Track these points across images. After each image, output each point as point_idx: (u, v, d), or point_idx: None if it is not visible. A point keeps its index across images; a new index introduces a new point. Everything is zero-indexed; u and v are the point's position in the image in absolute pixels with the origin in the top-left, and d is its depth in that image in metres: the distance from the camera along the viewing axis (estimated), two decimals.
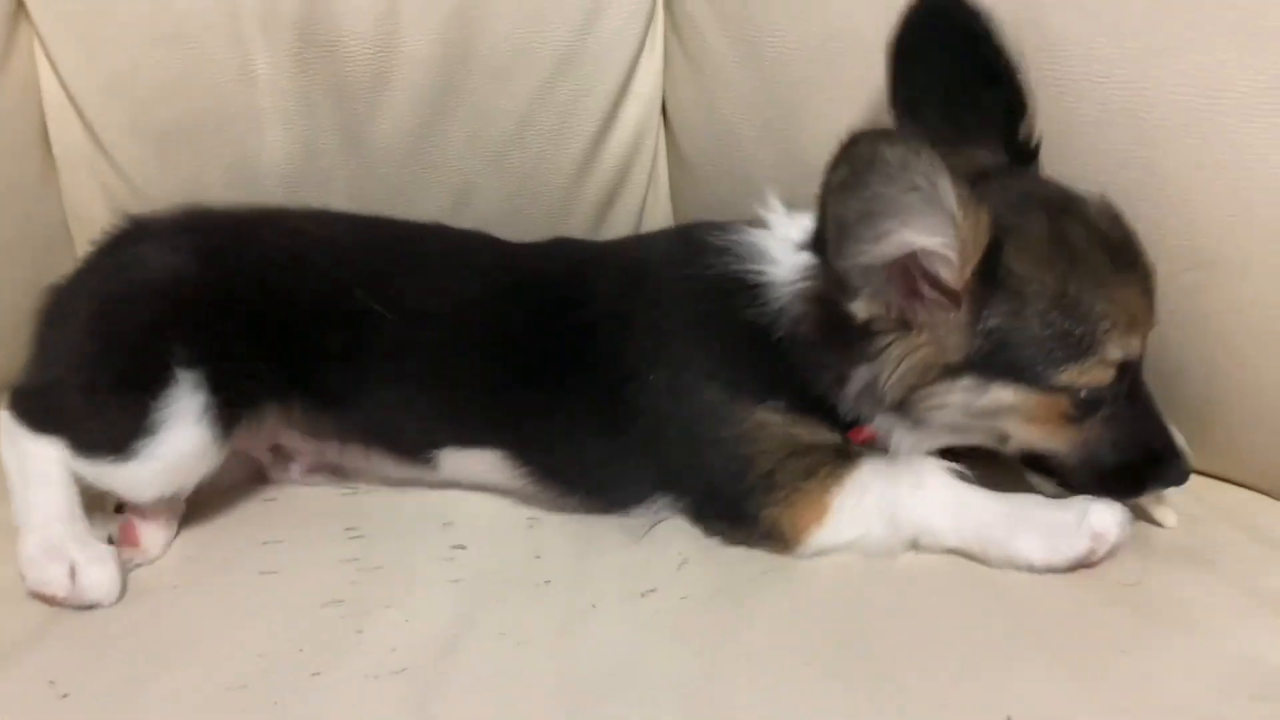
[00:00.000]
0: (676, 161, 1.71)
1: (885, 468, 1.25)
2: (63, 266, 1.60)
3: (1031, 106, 1.21)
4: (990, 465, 1.27)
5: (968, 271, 1.11)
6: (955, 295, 1.13)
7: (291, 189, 1.61)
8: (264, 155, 1.60)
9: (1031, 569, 1.19)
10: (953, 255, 1.10)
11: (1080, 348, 1.13)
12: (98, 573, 1.20)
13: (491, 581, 1.24)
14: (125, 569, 1.24)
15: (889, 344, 1.16)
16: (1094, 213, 1.17)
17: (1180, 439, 1.20)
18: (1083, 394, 1.15)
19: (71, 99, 1.56)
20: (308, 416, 1.38)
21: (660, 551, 1.29)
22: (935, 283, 1.12)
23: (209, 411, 1.27)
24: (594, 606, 1.20)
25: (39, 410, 1.30)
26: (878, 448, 1.25)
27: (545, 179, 1.65)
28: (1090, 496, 1.20)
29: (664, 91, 1.67)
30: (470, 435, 1.37)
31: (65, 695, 1.08)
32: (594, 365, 1.33)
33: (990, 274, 1.12)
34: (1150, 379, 1.21)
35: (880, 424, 1.23)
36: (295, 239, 1.41)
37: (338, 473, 1.45)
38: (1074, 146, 1.29)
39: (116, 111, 1.56)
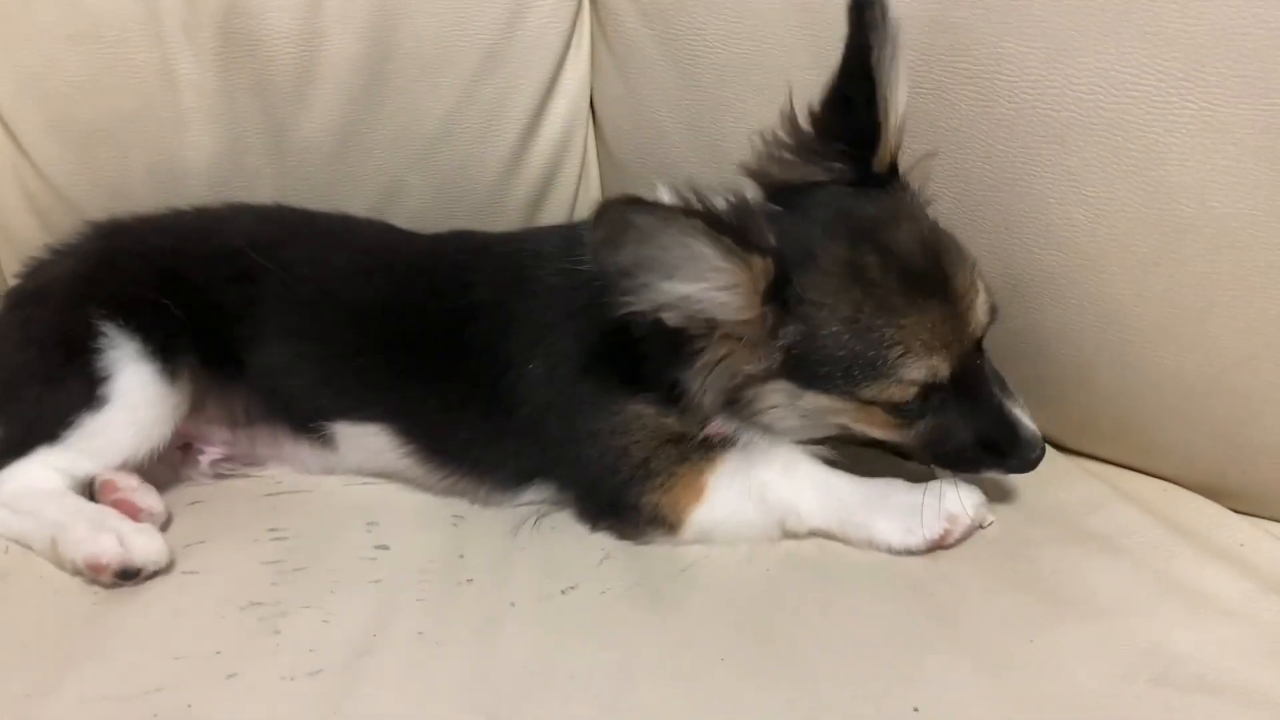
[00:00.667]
0: (606, 157, 1.71)
1: (755, 453, 1.28)
2: None
3: (886, 135, 1.20)
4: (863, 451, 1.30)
5: (753, 302, 1.14)
6: (754, 320, 1.16)
7: (216, 189, 1.60)
8: (187, 155, 1.59)
9: (890, 550, 1.24)
10: (729, 297, 1.13)
11: (875, 369, 1.16)
12: (145, 538, 1.23)
13: (413, 581, 1.25)
14: None
15: (701, 349, 1.20)
16: (903, 239, 1.18)
17: (1029, 426, 1.21)
18: (896, 407, 1.19)
19: None
20: (217, 381, 1.42)
21: (583, 548, 1.31)
22: (721, 319, 1.16)
23: (144, 350, 1.35)
24: (513, 605, 1.20)
25: (11, 442, 1.35)
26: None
27: (473, 177, 1.66)
28: (949, 480, 1.25)
29: (591, 88, 1.68)
30: (356, 408, 1.41)
31: None
32: (475, 351, 1.36)
33: (781, 301, 1.15)
34: (1061, 369, 1.23)
35: (725, 425, 1.26)
36: (194, 218, 1.51)
37: (248, 462, 1.47)
38: (987, 145, 1.31)
39: (33, 111, 1.54)
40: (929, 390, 1.18)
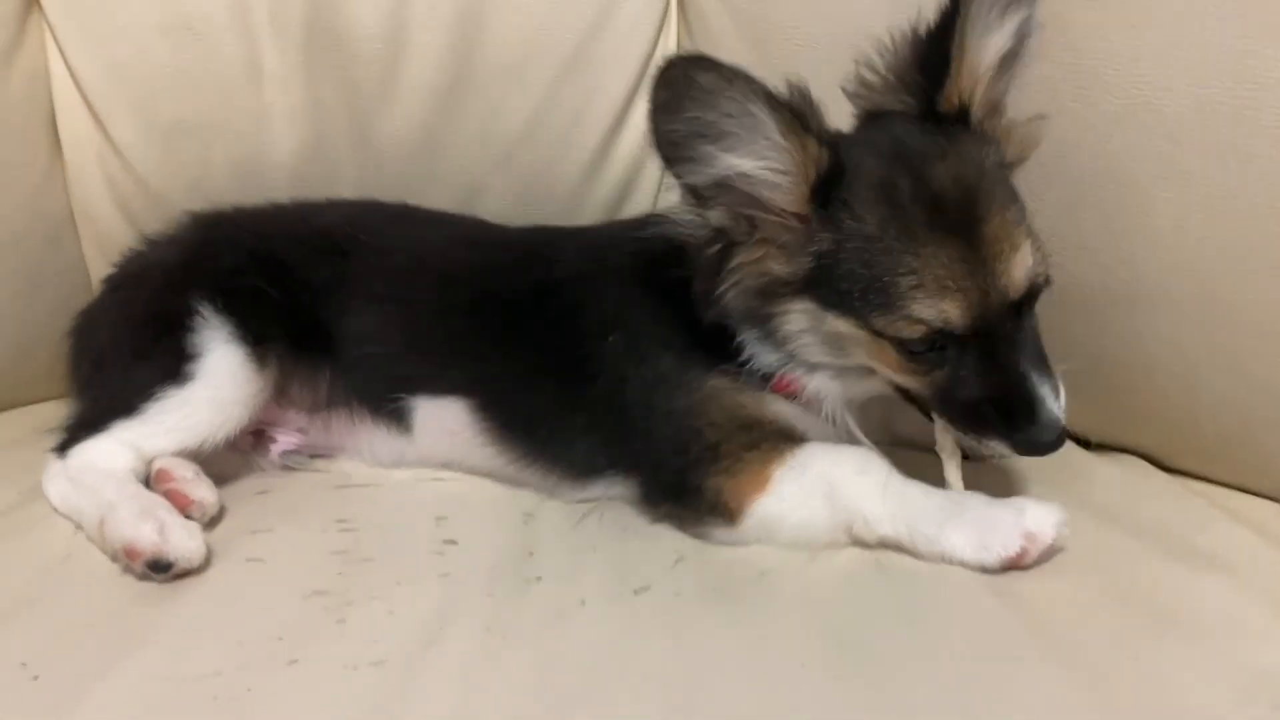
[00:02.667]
0: None
1: (831, 450, 1.25)
2: (67, 259, 1.61)
3: (956, 75, 1.17)
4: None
5: (802, 194, 1.14)
6: (796, 215, 1.16)
7: (298, 186, 1.60)
8: (271, 151, 1.59)
9: (963, 564, 1.17)
10: (780, 180, 1.13)
11: (887, 298, 1.13)
12: (186, 534, 1.20)
13: (481, 576, 1.21)
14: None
15: (739, 253, 1.18)
16: (942, 173, 1.15)
17: (1050, 409, 1.14)
18: (906, 345, 1.15)
19: (80, 89, 1.56)
20: (304, 363, 1.43)
21: (655, 548, 1.26)
22: (766, 206, 1.15)
23: (236, 334, 1.36)
24: (583, 603, 1.16)
25: (88, 417, 1.37)
26: (807, 406, 1.27)
27: (555, 178, 1.64)
28: (1031, 498, 1.19)
29: None
30: (439, 382, 1.41)
31: (36, 677, 1.05)
32: (556, 322, 1.36)
33: (826, 200, 1.14)
34: (1165, 378, 1.16)
35: (766, 358, 1.24)
36: (292, 207, 1.54)
37: (320, 452, 1.47)
38: (1094, 143, 1.26)
39: (122, 102, 1.56)
40: (941, 337, 1.14)
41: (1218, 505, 1.30)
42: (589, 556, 1.26)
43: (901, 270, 1.12)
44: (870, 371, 1.23)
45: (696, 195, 1.17)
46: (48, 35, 1.55)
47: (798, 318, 1.21)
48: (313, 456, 1.47)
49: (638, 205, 1.68)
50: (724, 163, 1.12)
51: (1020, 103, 1.24)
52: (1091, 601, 1.12)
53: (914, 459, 1.32)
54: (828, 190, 1.14)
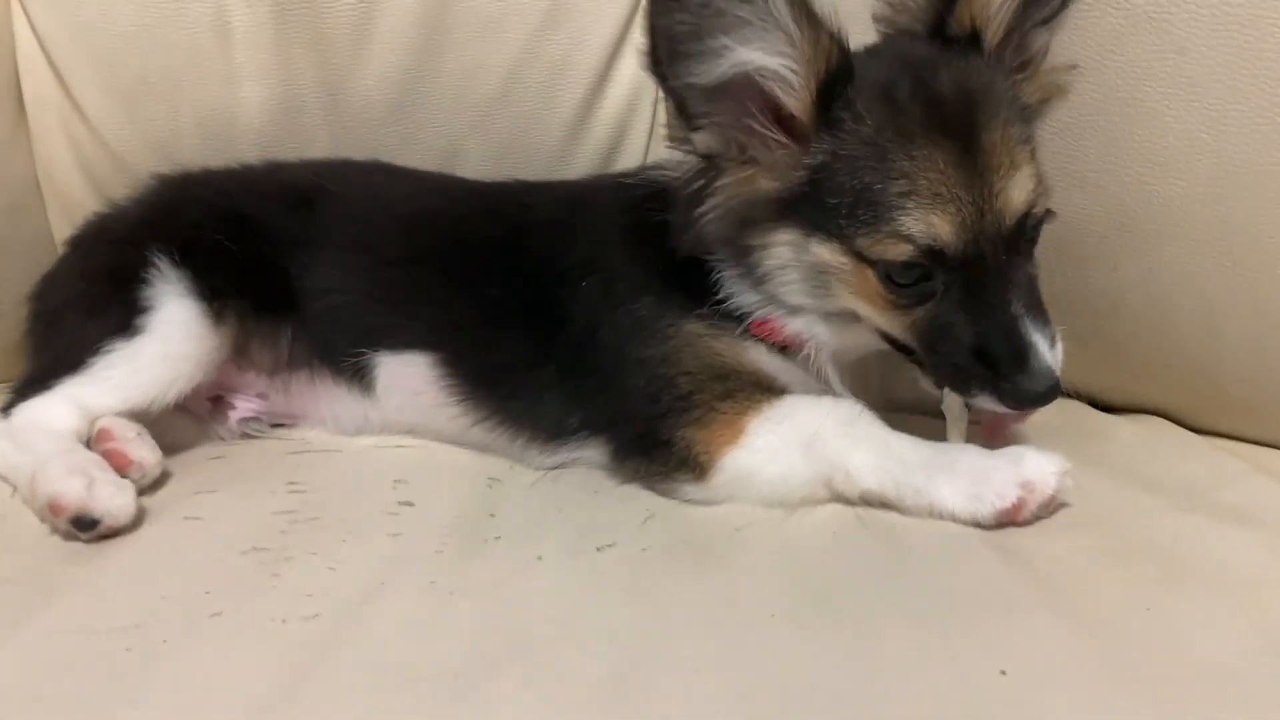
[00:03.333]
0: None
1: (811, 401, 1.17)
2: (32, 228, 1.56)
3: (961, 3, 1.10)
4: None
5: (810, 91, 1.06)
6: (791, 125, 1.07)
7: (268, 149, 1.54)
8: (239, 112, 1.53)
9: (954, 519, 1.07)
10: (790, 75, 1.06)
11: (874, 210, 1.05)
12: (115, 490, 1.13)
13: (434, 536, 1.12)
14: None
15: (725, 175, 1.11)
16: (944, 79, 1.07)
17: (1043, 356, 1.04)
18: (888, 273, 1.06)
19: (44, 49, 1.51)
20: (265, 321, 1.36)
21: (624, 508, 1.18)
22: (773, 107, 1.08)
23: (192, 289, 1.30)
24: (540, 559, 1.07)
25: (39, 375, 1.31)
26: (789, 353, 1.20)
27: (536, 139, 1.56)
28: (1030, 447, 1.09)
29: None
30: (403, 334, 1.34)
31: None
32: (527, 267, 1.29)
33: (828, 104, 1.06)
34: (1183, 320, 1.05)
35: (745, 297, 1.17)
36: (261, 166, 1.49)
37: (280, 420, 1.40)
38: (1095, 60, 1.17)
39: (85, 62, 1.51)
40: (928, 260, 1.05)
41: (1245, 460, 1.19)
42: (553, 517, 1.17)
43: (894, 174, 1.04)
44: (854, 318, 1.14)
45: (687, 113, 1.08)
46: None
47: (780, 251, 1.13)
48: (274, 426, 1.41)
49: (622, 165, 1.59)
50: (734, 56, 1.04)
51: None
52: (1100, 555, 1.02)
53: (912, 424, 1.23)
54: (833, 91, 1.06)
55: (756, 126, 1.08)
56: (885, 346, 1.16)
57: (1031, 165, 1.06)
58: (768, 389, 1.19)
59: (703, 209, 1.12)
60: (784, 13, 1.01)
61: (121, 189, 1.49)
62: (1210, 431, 1.26)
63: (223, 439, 1.38)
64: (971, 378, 1.07)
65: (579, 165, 1.58)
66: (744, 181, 1.10)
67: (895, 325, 1.10)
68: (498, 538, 1.12)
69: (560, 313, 1.26)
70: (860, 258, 1.07)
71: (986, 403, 1.08)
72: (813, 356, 1.19)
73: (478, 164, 1.56)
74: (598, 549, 1.09)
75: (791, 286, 1.14)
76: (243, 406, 1.38)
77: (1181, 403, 1.25)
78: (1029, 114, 1.12)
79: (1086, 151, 1.18)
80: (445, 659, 0.91)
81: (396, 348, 1.33)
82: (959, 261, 1.04)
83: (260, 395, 1.39)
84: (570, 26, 1.52)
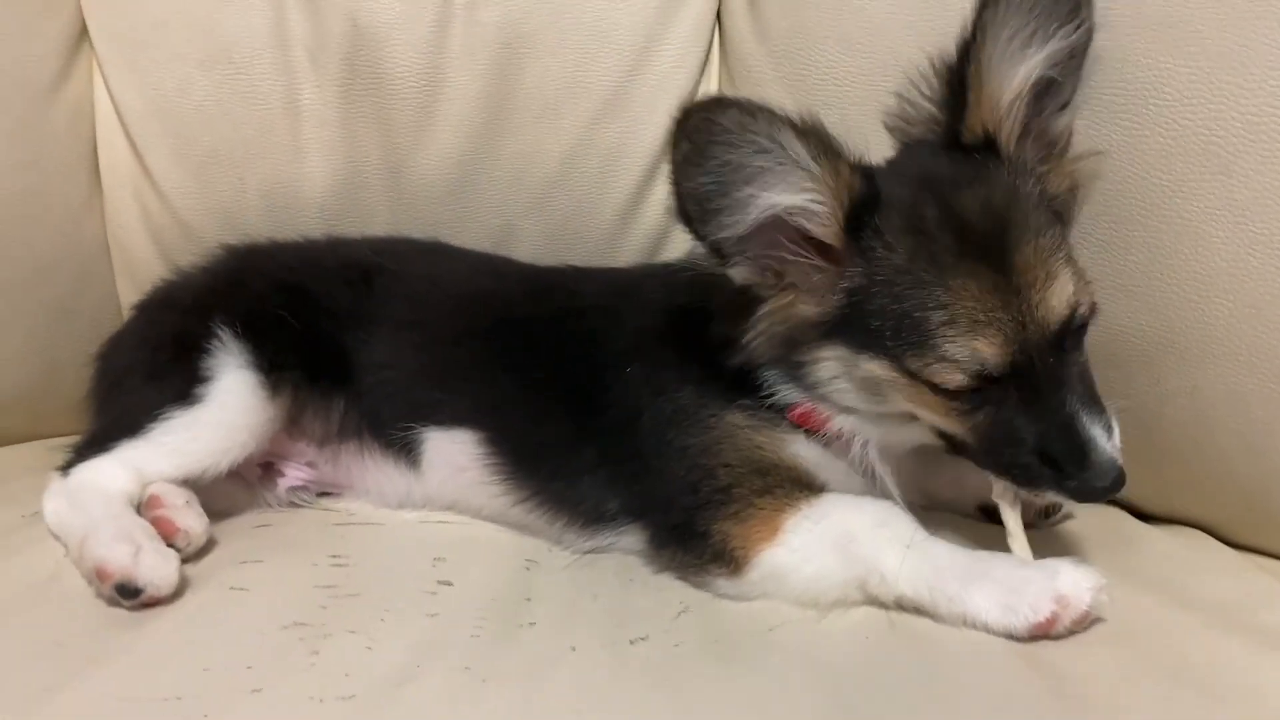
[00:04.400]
0: None
1: (849, 501, 1.18)
2: (100, 290, 1.62)
3: (975, 105, 1.12)
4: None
5: (838, 222, 1.09)
6: (826, 251, 1.11)
7: (331, 222, 1.59)
8: (305, 186, 1.58)
9: (987, 629, 1.07)
10: (817, 209, 1.08)
11: (918, 335, 1.07)
12: (160, 560, 1.15)
13: (470, 618, 1.14)
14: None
15: (766, 303, 1.14)
16: (968, 200, 1.09)
17: (1104, 450, 1.05)
18: (943, 388, 1.08)
19: (121, 120, 1.57)
20: (319, 393, 1.39)
21: (659, 600, 1.19)
22: (807, 238, 1.10)
23: (251, 360, 1.34)
24: (573, 649, 1.08)
25: (98, 436, 1.35)
26: (835, 444, 1.20)
27: (589, 222, 1.60)
28: (1066, 559, 1.08)
29: None
30: (450, 410, 1.36)
31: None
32: (573, 350, 1.32)
33: (857, 230, 1.09)
34: (1226, 438, 1.05)
35: (790, 395, 1.19)
36: (325, 241, 1.54)
37: (327, 489, 1.43)
38: (1141, 178, 1.18)
39: (161, 133, 1.57)
40: (979, 379, 1.06)
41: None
42: (588, 604, 1.18)
43: (931, 305, 1.06)
44: (910, 417, 1.15)
45: (720, 253, 1.12)
46: (95, 67, 1.57)
47: (829, 364, 1.15)
48: (320, 494, 1.43)
49: (672, 251, 1.61)
50: (761, 201, 1.07)
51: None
52: (1134, 673, 1.01)
53: (952, 523, 1.23)
54: (861, 218, 1.09)
55: (789, 256, 1.11)
56: (938, 443, 1.17)
57: (1068, 268, 1.08)
58: (807, 486, 1.20)
59: (749, 334, 1.14)
60: (801, 153, 1.05)
61: (188, 256, 1.53)
62: (1250, 548, 1.25)
63: (270, 506, 1.41)
64: (1038, 477, 1.08)
65: (629, 249, 1.62)
66: (785, 307, 1.13)
67: (956, 429, 1.12)
68: (532, 624, 1.13)
69: (603, 397, 1.28)
70: (909, 373, 1.08)
71: (1054, 498, 1.11)
72: (858, 451, 1.20)
73: (531, 244, 1.60)
74: (630, 642, 1.09)
75: (845, 394, 1.16)
76: (292, 475, 1.41)
77: (1221, 517, 1.24)
78: (1060, 207, 1.13)
79: (1132, 266, 1.19)
80: None
81: (444, 423, 1.36)
82: (1010, 370, 1.06)
83: (309, 464, 1.42)
84: (626, 117, 1.56)
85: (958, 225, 1.08)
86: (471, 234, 1.58)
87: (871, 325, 1.09)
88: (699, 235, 1.10)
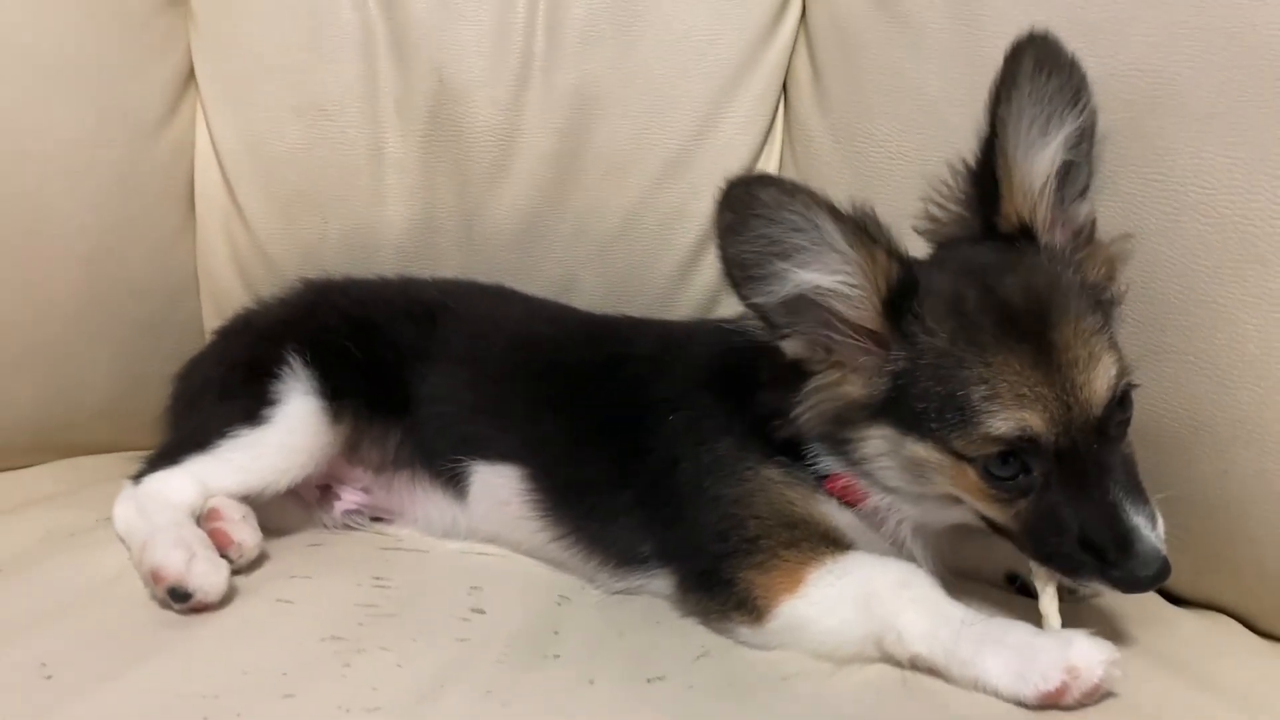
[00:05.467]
0: None
1: (874, 560, 1.20)
2: (187, 314, 1.72)
3: (1008, 194, 1.17)
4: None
5: (875, 307, 1.13)
6: (872, 334, 1.14)
7: (404, 264, 1.67)
8: (383, 229, 1.67)
9: (997, 695, 1.07)
10: (852, 293, 1.12)
11: (962, 414, 1.10)
12: (211, 569, 1.22)
13: (499, 645, 1.19)
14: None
15: (815, 378, 1.18)
16: (1009, 283, 1.13)
17: (1148, 540, 1.06)
18: (988, 468, 1.10)
19: (218, 158, 1.68)
20: (378, 422, 1.46)
21: (681, 641, 1.22)
22: (844, 319, 1.14)
23: (317, 388, 1.41)
24: (592, 683, 1.12)
25: (168, 450, 1.43)
26: (870, 518, 1.23)
27: (647, 277, 1.66)
28: (1082, 631, 1.08)
29: None
30: (498, 446, 1.42)
31: (49, 676, 1.08)
32: (621, 397, 1.37)
33: (899, 316, 1.13)
34: (1258, 526, 1.07)
35: (831, 464, 1.22)
36: (397, 280, 1.62)
37: (380, 515, 1.49)
38: (1179, 264, 1.20)
39: (252, 173, 1.67)
40: (1024, 453, 1.08)
41: None
42: (613, 641, 1.22)
43: (973, 381, 1.09)
44: (953, 500, 1.18)
45: (770, 323, 1.17)
46: (199, 108, 1.68)
47: (876, 443, 1.18)
48: (374, 519, 1.50)
49: (728, 308, 1.65)
50: (795, 278, 1.12)
51: (1105, 222, 1.21)
52: None
53: (977, 591, 1.25)
54: (900, 304, 1.13)
55: (837, 335, 1.15)
56: (980, 524, 1.19)
57: (1111, 352, 1.10)
58: (834, 542, 1.22)
59: (799, 409, 1.18)
60: (837, 237, 1.10)
61: (269, 288, 1.63)
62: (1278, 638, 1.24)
63: (326, 527, 1.48)
64: (1080, 565, 1.10)
65: (685, 305, 1.67)
66: (833, 385, 1.17)
67: (999, 515, 1.14)
68: (557, 656, 1.18)
69: (644, 442, 1.33)
70: (959, 455, 1.11)
71: (1095, 587, 1.11)
72: (892, 527, 1.23)
73: (591, 294, 1.66)
74: (648, 680, 1.13)
75: (888, 473, 1.18)
76: (347, 499, 1.48)
77: (1253, 605, 1.24)
78: (1101, 295, 1.16)
79: (1166, 347, 1.21)
80: None
81: (491, 458, 1.42)
82: (1053, 453, 1.08)
83: (364, 489, 1.49)
84: (689, 179, 1.63)
85: (998, 306, 1.11)
86: (536, 282, 1.64)
87: (917, 408, 1.12)
88: (741, 297, 1.16)
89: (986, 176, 1.19)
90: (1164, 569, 1.07)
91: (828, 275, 1.12)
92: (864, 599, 1.16)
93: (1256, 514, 1.18)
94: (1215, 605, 1.29)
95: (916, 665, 1.13)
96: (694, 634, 1.24)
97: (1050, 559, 1.13)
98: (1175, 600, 1.34)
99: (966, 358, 1.10)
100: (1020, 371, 1.08)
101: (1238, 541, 1.21)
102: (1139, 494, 1.09)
